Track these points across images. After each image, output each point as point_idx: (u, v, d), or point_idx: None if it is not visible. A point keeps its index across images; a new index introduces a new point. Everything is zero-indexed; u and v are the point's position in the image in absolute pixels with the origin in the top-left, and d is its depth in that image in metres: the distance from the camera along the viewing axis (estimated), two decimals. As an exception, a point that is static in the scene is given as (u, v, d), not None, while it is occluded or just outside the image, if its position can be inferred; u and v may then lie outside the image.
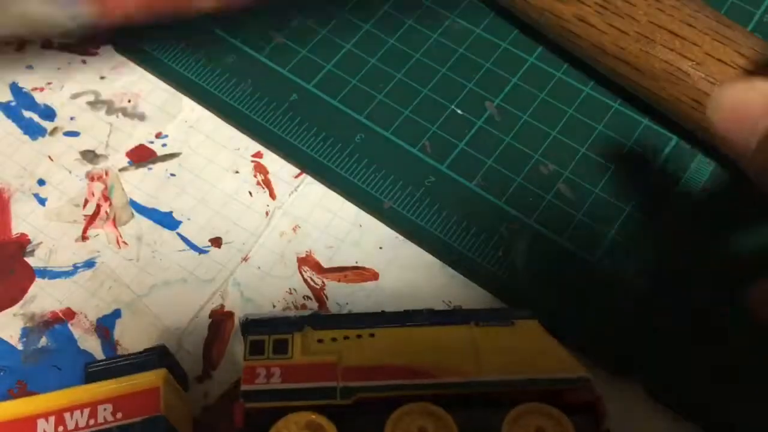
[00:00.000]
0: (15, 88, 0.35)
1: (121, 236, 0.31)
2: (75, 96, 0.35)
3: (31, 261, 0.30)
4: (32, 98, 0.35)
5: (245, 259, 0.31)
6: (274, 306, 0.30)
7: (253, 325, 0.25)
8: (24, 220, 0.31)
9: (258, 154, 0.33)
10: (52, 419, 0.23)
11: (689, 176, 0.32)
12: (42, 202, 0.32)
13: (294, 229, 0.31)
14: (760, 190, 0.21)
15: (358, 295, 0.30)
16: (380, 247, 0.31)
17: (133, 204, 0.32)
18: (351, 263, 0.31)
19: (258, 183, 0.32)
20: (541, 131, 0.33)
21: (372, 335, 0.25)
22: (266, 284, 0.30)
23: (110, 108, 0.34)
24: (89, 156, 0.33)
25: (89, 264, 0.30)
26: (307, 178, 0.33)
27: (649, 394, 0.28)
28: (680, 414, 0.27)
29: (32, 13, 0.27)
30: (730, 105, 0.22)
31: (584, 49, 0.32)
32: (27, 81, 0.35)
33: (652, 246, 0.30)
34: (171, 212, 0.32)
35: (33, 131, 0.34)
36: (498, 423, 0.23)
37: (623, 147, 0.33)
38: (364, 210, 0.32)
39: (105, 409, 0.23)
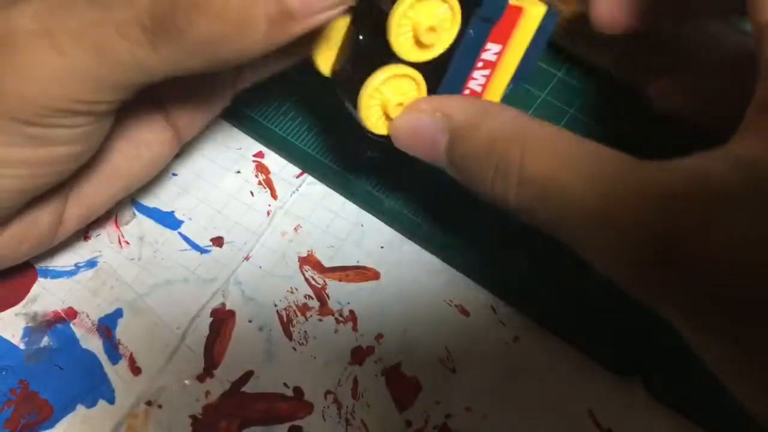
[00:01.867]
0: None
1: (122, 236, 0.31)
2: (77, 96, 0.35)
3: (33, 260, 0.30)
4: (34, 98, 0.35)
5: (247, 259, 0.31)
6: (275, 305, 0.30)
7: None
8: (26, 219, 0.32)
9: (259, 154, 0.33)
10: None
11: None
12: (44, 201, 0.32)
13: (295, 229, 0.31)
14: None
15: (360, 295, 0.30)
16: (381, 247, 0.31)
17: (135, 204, 0.32)
18: (352, 263, 0.31)
19: (259, 183, 0.32)
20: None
21: None
22: (267, 283, 0.30)
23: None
24: (91, 156, 0.33)
25: (91, 263, 0.30)
26: (309, 178, 0.33)
27: (650, 394, 0.28)
28: (680, 413, 0.27)
29: None
30: (408, 132, 0.24)
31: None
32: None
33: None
34: (173, 212, 0.32)
35: (35, 131, 0.34)
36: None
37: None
38: (365, 210, 0.32)
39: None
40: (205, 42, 0.20)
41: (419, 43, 0.23)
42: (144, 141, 0.27)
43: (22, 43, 0.20)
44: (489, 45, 0.24)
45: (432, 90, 0.24)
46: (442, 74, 0.24)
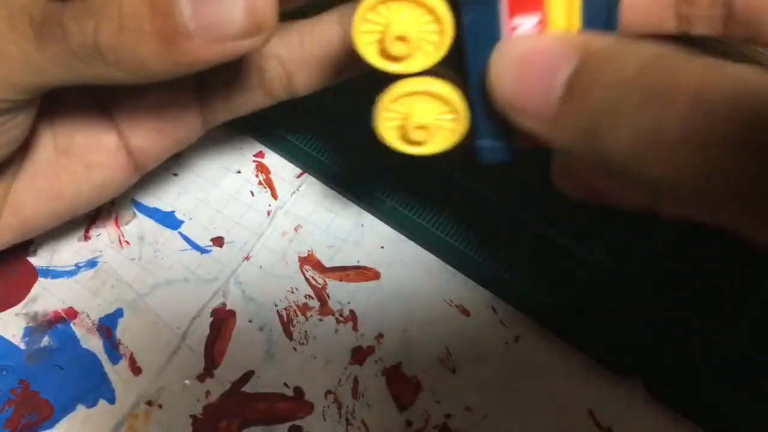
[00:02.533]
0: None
1: (123, 236, 0.31)
2: (77, 96, 0.35)
3: (33, 260, 0.30)
4: (34, 98, 0.35)
5: (247, 259, 0.31)
6: (276, 305, 0.30)
7: None
8: (26, 219, 0.32)
9: (260, 154, 0.33)
10: None
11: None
12: (44, 201, 0.32)
13: (296, 229, 0.31)
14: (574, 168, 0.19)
15: (360, 294, 0.30)
16: (382, 247, 0.31)
17: (135, 204, 0.32)
18: (352, 263, 0.31)
19: (260, 183, 0.32)
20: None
21: None
22: (268, 283, 0.30)
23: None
24: (91, 156, 0.33)
25: (91, 263, 0.30)
26: (309, 178, 0.33)
27: (650, 394, 0.28)
28: (680, 413, 0.27)
29: None
30: (520, 60, 0.17)
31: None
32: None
33: (654, 245, 0.30)
34: (173, 212, 0.32)
35: (35, 131, 0.34)
36: None
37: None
38: (365, 210, 0.32)
39: None
40: (91, 47, 0.18)
41: (386, 54, 0.19)
42: (95, 162, 0.26)
43: None
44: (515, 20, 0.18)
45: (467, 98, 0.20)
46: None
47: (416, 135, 0.20)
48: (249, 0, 0.18)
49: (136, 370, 0.28)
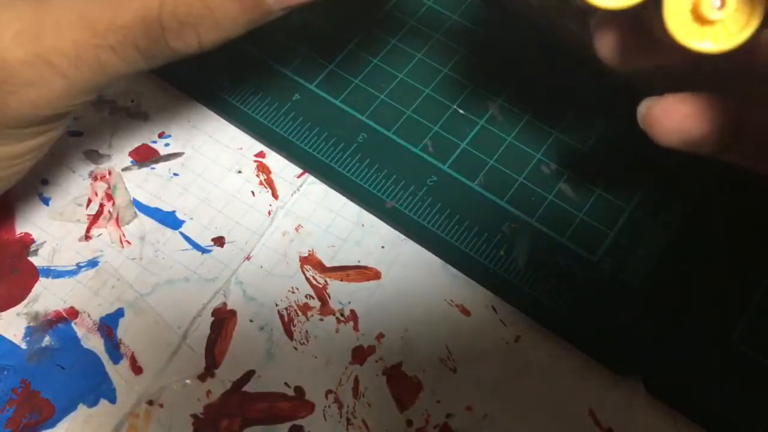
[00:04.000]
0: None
1: (124, 235, 0.31)
2: (78, 96, 0.35)
3: (34, 260, 0.30)
4: (35, 98, 0.35)
5: (248, 258, 0.31)
6: (276, 305, 0.30)
7: None
8: (28, 219, 0.32)
9: (261, 154, 0.33)
10: None
11: (692, 176, 0.32)
12: (46, 201, 0.32)
13: (296, 229, 0.31)
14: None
15: (361, 294, 0.30)
16: (382, 247, 0.31)
17: (136, 203, 0.32)
18: (353, 262, 0.31)
19: (260, 183, 0.33)
20: (543, 131, 0.33)
21: None
22: (269, 283, 0.30)
23: (114, 108, 0.34)
24: (93, 156, 0.33)
25: (92, 263, 0.30)
26: (310, 178, 0.33)
27: (650, 393, 0.28)
28: (681, 412, 0.27)
29: None
30: None
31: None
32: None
33: (653, 246, 0.30)
34: (174, 212, 0.32)
35: (36, 131, 0.34)
36: None
37: (625, 147, 0.33)
38: (366, 209, 0.32)
39: None
40: (196, 51, 0.22)
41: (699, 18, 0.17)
42: None
43: (15, 74, 0.20)
44: None
45: None
46: None
47: (713, 13, 0.17)
48: None
49: (137, 369, 0.28)
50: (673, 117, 0.22)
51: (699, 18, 0.17)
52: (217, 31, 0.21)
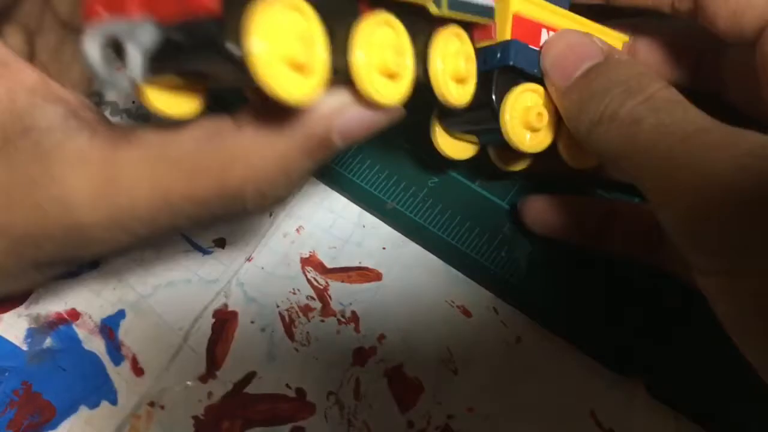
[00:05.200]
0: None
1: (125, 237, 0.31)
2: (79, 97, 0.35)
3: (35, 261, 0.30)
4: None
5: (249, 260, 0.31)
6: (278, 306, 0.30)
7: None
8: (28, 220, 0.32)
9: (261, 155, 0.33)
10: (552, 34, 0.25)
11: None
12: (46, 202, 0.32)
13: (297, 230, 0.31)
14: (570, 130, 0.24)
15: (362, 295, 0.30)
16: (383, 248, 0.31)
17: (137, 205, 0.32)
18: (354, 264, 0.31)
19: (261, 184, 0.33)
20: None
21: None
22: (270, 284, 0.30)
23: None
24: (93, 157, 0.33)
25: (93, 264, 0.30)
26: (311, 179, 0.33)
27: (651, 394, 0.28)
28: (682, 413, 0.28)
29: None
30: (567, 45, 0.24)
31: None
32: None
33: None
34: (175, 213, 0.32)
35: (37, 132, 0.34)
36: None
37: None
38: (367, 211, 0.32)
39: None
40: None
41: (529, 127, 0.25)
42: None
43: (89, 236, 0.19)
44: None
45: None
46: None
47: (537, 121, 0.25)
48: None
49: (138, 371, 0.28)
50: (531, 210, 0.29)
51: (530, 128, 0.25)
52: (293, 186, 0.20)
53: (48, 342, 0.29)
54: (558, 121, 0.25)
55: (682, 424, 0.27)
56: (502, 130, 0.24)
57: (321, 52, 0.17)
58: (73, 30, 0.24)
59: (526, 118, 0.24)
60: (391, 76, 0.19)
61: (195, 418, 0.28)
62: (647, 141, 0.20)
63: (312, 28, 0.17)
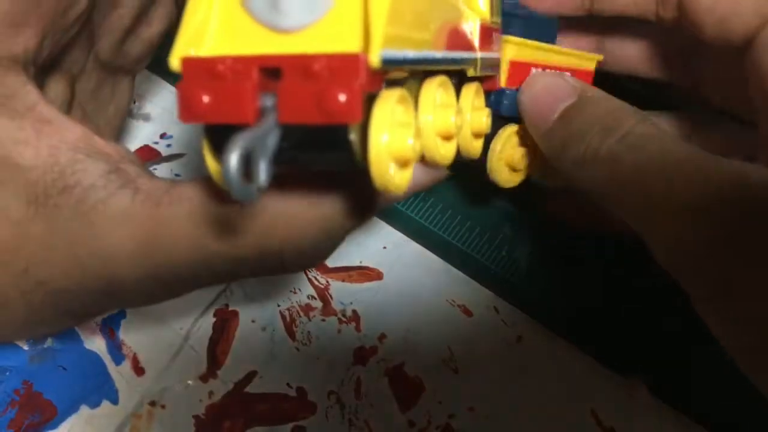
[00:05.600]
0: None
1: (125, 236, 0.31)
2: (79, 97, 0.35)
3: (36, 261, 0.30)
4: (37, 99, 0.35)
5: (249, 259, 0.31)
6: (278, 306, 0.30)
7: None
8: (29, 220, 0.32)
9: (262, 155, 0.33)
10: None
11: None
12: (47, 202, 0.32)
13: (298, 230, 0.31)
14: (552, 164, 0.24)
15: (363, 295, 0.30)
16: (384, 247, 0.31)
17: (138, 204, 0.32)
18: (355, 263, 0.31)
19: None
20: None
21: None
22: (270, 284, 0.30)
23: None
24: (94, 156, 0.33)
25: (94, 264, 0.30)
26: (311, 179, 0.33)
27: (652, 393, 0.28)
28: (683, 412, 0.28)
29: None
30: (542, 87, 0.24)
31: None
32: (32, 82, 0.35)
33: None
34: (175, 212, 0.32)
35: (38, 132, 0.34)
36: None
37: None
38: (367, 210, 0.32)
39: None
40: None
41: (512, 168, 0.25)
42: None
43: (126, 289, 0.19)
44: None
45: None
46: None
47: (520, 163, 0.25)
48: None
49: (139, 370, 0.28)
50: None
51: (513, 168, 0.25)
52: (335, 246, 0.20)
53: (49, 341, 0.29)
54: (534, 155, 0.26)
55: (684, 423, 0.27)
56: (488, 169, 0.25)
57: (418, 145, 0.17)
58: (111, 71, 0.24)
59: (510, 159, 0.25)
60: (449, 137, 0.19)
61: (196, 417, 0.28)
62: (628, 178, 0.21)
63: (410, 117, 0.17)
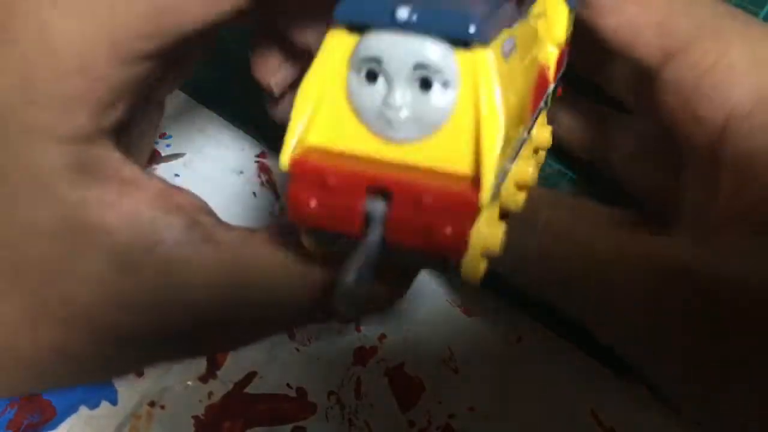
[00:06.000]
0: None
1: (125, 236, 0.31)
2: (79, 97, 0.35)
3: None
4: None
5: (249, 260, 0.31)
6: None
7: None
8: (28, 220, 0.31)
9: (262, 155, 0.33)
10: None
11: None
12: (46, 202, 0.32)
13: (298, 230, 0.31)
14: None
15: (362, 295, 0.30)
16: (384, 248, 0.31)
17: (138, 204, 0.32)
18: (355, 263, 0.31)
19: (262, 183, 0.32)
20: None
21: None
22: (270, 284, 0.30)
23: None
24: (93, 157, 0.33)
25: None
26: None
27: (653, 393, 0.28)
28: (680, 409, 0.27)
29: None
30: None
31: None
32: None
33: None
34: (175, 213, 0.32)
35: (37, 132, 0.34)
36: None
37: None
38: (367, 210, 0.32)
39: None
40: None
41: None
42: None
43: None
44: None
45: None
46: None
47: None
48: None
49: (138, 371, 0.28)
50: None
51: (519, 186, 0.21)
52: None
53: (48, 342, 0.29)
54: None
55: (685, 424, 0.27)
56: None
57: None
58: (147, 100, 0.24)
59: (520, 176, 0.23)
60: (523, 188, 0.19)
61: (195, 418, 0.27)
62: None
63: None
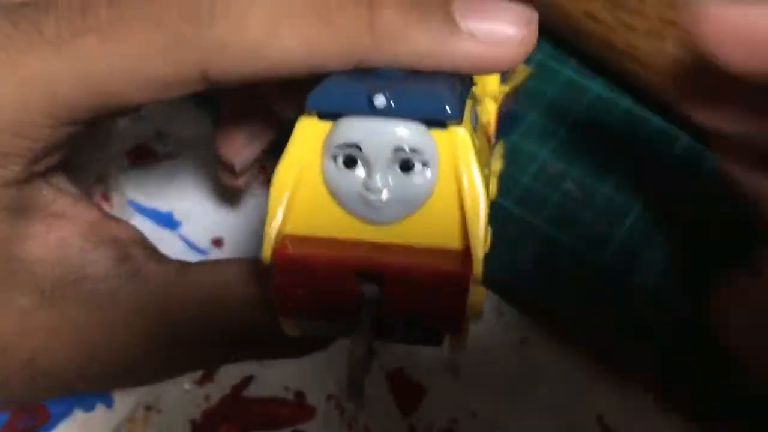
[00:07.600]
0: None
1: (121, 237, 0.31)
2: (75, 95, 0.34)
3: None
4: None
5: (247, 260, 0.30)
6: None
7: None
8: (23, 220, 0.31)
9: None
10: None
11: (700, 176, 0.31)
12: (41, 202, 0.32)
13: (297, 230, 0.31)
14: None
15: (362, 297, 0.30)
16: (384, 248, 0.31)
17: (133, 204, 0.32)
18: (354, 264, 0.30)
19: (260, 183, 0.32)
20: (549, 129, 0.33)
21: None
22: (268, 286, 0.30)
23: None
24: (89, 156, 0.33)
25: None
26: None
27: (659, 396, 0.27)
28: (688, 417, 0.27)
29: None
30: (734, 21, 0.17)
31: (593, 45, 0.32)
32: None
33: (661, 246, 0.30)
34: (171, 212, 0.31)
35: (32, 131, 0.33)
36: None
37: (632, 146, 0.32)
38: (367, 210, 0.31)
39: None
40: None
41: None
42: None
43: None
44: None
45: None
46: None
47: None
48: None
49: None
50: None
51: None
52: None
53: (42, 344, 0.28)
54: None
55: (690, 428, 0.27)
56: None
57: None
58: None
59: None
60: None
61: (192, 422, 0.27)
62: None
63: None
